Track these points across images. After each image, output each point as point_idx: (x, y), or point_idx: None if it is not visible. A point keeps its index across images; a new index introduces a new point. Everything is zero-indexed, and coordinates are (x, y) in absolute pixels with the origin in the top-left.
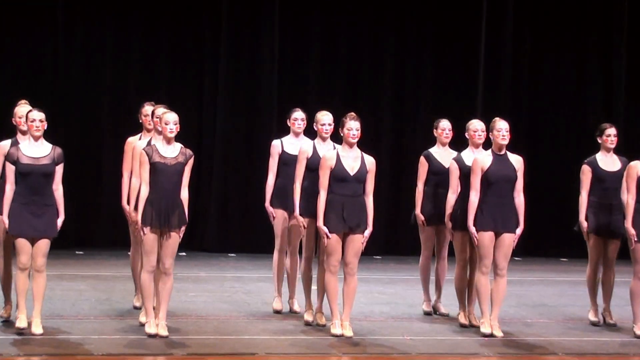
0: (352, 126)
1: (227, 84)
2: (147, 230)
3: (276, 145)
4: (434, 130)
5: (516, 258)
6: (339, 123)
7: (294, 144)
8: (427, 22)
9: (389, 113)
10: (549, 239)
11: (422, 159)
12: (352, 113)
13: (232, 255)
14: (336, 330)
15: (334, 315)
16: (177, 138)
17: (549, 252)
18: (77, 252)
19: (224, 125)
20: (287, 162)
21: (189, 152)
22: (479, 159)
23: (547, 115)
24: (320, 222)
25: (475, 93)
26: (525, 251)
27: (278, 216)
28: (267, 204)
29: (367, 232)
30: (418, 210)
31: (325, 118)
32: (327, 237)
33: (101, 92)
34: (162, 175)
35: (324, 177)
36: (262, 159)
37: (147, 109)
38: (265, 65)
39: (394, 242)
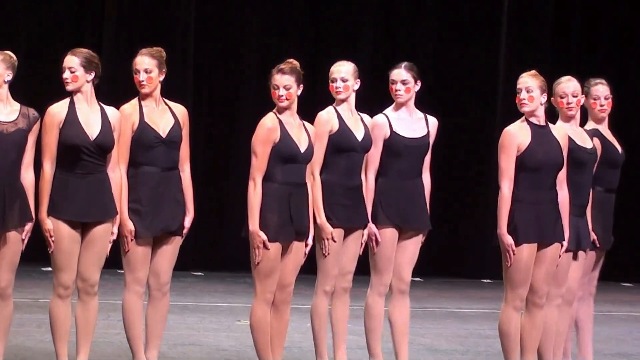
0: (278, 83)
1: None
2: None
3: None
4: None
5: (624, 284)
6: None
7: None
8: None
9: (430, 60)
10: None
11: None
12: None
13: (198, 273)
14: None
15: None
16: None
17: None
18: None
19: None
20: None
21: (33, 113)
22: (513, 132)
23: None
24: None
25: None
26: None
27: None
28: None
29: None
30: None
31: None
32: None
33: None
34: None
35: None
36: (242, 117)
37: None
38: None
39: (437, 256)
